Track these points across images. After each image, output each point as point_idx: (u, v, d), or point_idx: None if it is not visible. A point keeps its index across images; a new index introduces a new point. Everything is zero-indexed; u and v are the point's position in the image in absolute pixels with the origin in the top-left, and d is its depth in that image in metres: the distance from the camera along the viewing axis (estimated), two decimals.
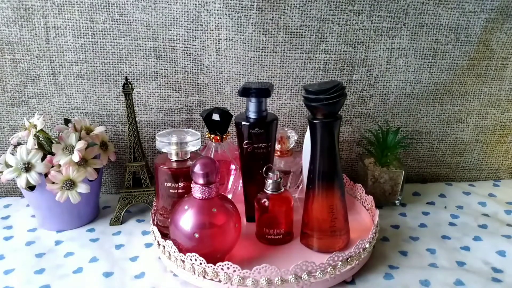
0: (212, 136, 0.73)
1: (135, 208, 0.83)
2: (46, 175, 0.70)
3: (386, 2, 0.78)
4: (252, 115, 0.68)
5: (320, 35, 0.80)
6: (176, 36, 0.81)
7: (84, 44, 0.80)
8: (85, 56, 0.81)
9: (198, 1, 0.78)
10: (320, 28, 0.80)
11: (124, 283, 0.63)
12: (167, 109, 0.86)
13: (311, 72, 0.83)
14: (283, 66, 0.82)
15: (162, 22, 0.80)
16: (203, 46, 0.81)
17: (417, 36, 0.81)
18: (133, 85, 0.78)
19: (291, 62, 0.82)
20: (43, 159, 0.71)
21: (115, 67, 0.82)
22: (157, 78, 0.84)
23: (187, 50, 0.82)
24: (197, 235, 0.59)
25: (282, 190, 0.67)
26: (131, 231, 0.76)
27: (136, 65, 0.82)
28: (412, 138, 0.90)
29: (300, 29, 0.80)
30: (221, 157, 0.75)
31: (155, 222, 0.71)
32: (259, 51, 0.81)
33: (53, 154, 0.71)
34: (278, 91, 0.84)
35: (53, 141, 0.74)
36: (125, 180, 0.78)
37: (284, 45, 0.81)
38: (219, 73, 0.83)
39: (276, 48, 0.81)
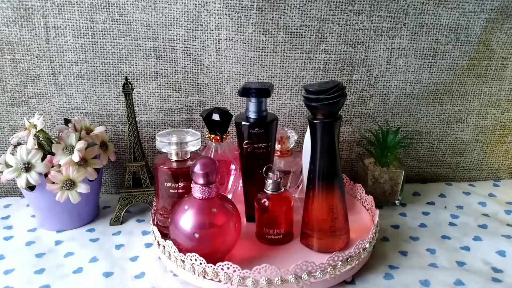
0: (212, 136, 0.73)
1: (135, 208, 0.83)
2: (46, 175, 0.70)
3: (386, 2, 0.78)
4: (252, 115, 0.68)
5: (320, 35, 0.80)
6: (176, 36, 0.81)
7: (84, 44, 0.80)
8: (85, 56, 0.81)
9: (198, 1, 0.78)
10: (320, 28, 0.80)
11: (124, 283, 0.63)
12: (167, 109, 0.86)
13: (311, 72, 0.83)
14: (283, 66, 0.82)
15: (162, 22, 0.80)
16: (203, 46, 0.81)
17: (417, 36, 0.81)
18: (133, 85, 0.77)
19: (291, 62, 0.82)
20: (43, 159, 0.71)
21: (115, 67, 0.82)
22: (157, 78, 0.84)
23: (187, 50, 0.82)
24: (197, 235, 0.59)
25: (282, 190, 0.67)
26: (131, 231, 0.76)
27: (136, 65, 0.82)
28: (412, 138, 0.90)
29: (300, 29, 0.80)
30: (221, 157, 0.75)
31: (155, 222, 0.71)
32: (259, 51, 0.81)
33: (53, 154, 0.71)
34: (278, 91, 0.84)
35: (53, 141, 0.74)
36: (125, 180, 0.78)
37: (284, 45, 0.81)
38: (219, 73, 0.83)
39: (276, 48, 0.81)
